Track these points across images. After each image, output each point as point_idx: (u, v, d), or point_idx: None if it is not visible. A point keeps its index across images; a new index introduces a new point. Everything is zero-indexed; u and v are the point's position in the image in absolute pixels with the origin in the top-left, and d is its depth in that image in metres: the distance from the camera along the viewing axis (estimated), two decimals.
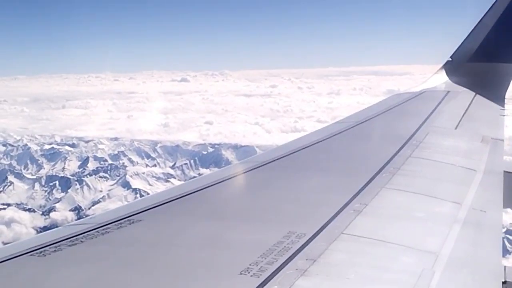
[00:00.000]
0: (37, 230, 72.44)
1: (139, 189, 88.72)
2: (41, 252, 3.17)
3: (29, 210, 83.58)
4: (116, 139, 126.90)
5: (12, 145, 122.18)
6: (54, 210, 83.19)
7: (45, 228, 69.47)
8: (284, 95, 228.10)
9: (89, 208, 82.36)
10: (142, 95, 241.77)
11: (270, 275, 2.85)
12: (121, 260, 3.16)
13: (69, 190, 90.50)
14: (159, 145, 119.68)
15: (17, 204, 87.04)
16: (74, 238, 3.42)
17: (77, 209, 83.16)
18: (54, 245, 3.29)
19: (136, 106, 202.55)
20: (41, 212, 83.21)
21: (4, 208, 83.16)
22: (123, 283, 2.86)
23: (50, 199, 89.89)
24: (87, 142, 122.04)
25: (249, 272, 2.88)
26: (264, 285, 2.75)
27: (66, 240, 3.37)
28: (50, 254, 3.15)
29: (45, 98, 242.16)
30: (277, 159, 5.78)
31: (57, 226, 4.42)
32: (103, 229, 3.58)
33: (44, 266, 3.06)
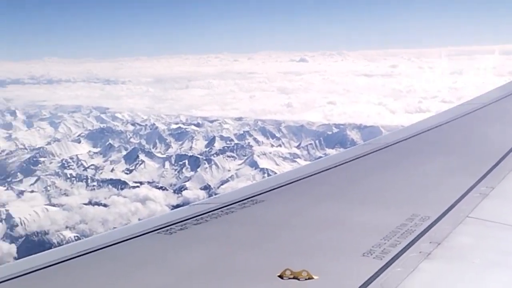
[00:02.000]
0: (171, 208, 73.46)
1: (266, 169, 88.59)
2: (167, 230, 3.28)
3: (161, 188, 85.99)
4: (240, 119, 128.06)
5: (140, 125, 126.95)
6: (186, 189, 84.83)
7: (178, 207, 69.72)
8: (405, 75, 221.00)
9: (218, 187, 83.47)
10: (263, 75, 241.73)
11: (393, 257, 2.81)
12: (244, 239, 3.21)
13: (198, 169, 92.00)
14: (283, 125, 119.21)
15: (149, 182, 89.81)
16: (200, 217, 3.53)
17: (207, 188, 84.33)
18: (180, 223, 3.40)
19: (257, 86, 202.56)
20: (172, 191, 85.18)
21: (138, 186, 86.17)
22: (246, 262, 2.87)
23: (180, 178, 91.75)
24: (212, 122, 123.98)
25: (371, 254, 2.85)
26: (387, 267, 2.71)
27: (191, 219, 3.48)
28: (176, 232, 3.25)
29: (168, 79, 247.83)
30: (402, 141, 5.86)
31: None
32: (227, 209, 3.69)
33: (170, 243, 3.15)
